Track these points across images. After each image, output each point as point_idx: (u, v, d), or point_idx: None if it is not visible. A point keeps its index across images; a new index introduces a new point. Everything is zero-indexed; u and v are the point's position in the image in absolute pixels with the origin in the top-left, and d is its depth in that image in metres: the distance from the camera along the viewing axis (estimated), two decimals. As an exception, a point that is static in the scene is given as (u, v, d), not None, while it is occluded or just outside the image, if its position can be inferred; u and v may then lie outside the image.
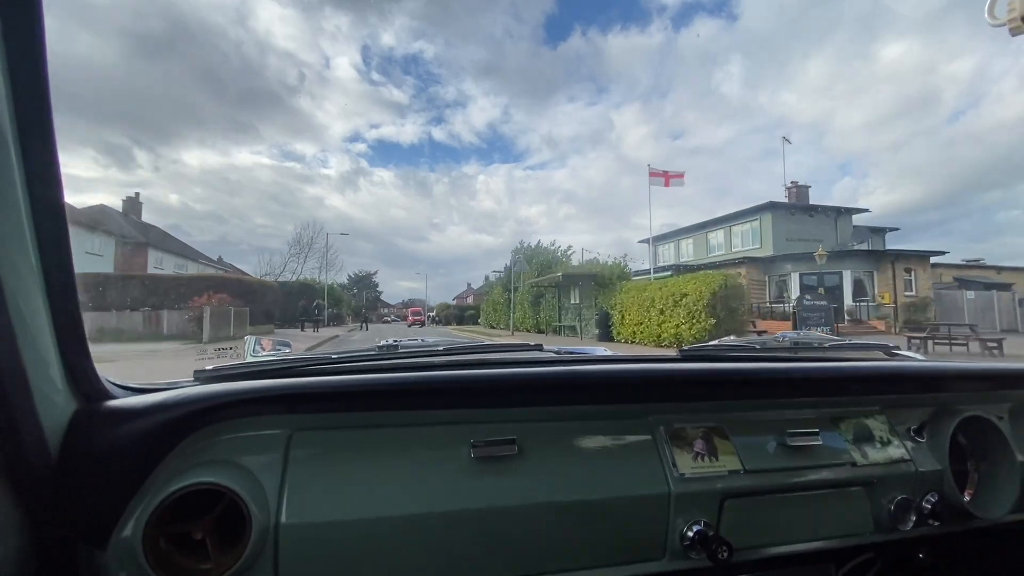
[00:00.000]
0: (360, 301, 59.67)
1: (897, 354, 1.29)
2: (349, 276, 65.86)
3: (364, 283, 70.46)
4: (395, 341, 1.16)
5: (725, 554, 0.77)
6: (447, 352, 1.06)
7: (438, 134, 79.36)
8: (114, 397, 0.71)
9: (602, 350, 1.28)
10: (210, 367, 0.90)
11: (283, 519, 0.66)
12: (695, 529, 0.81)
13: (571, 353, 1.18)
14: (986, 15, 0.72)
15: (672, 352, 1.15)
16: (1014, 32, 0.70)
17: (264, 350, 1.33)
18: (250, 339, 1.36)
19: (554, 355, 1.15)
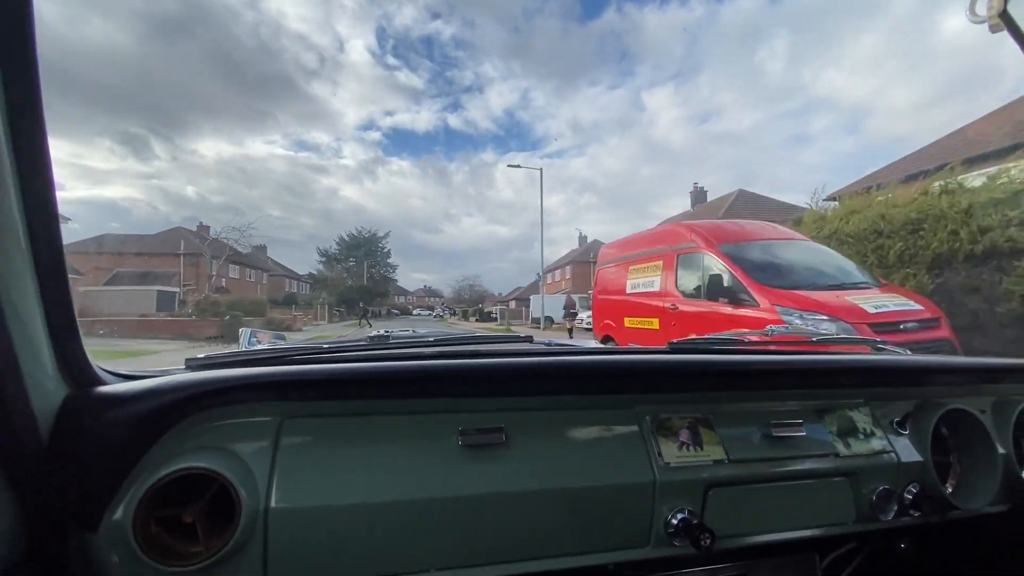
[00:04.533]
0: (359, 281, 50.78)
1: (883, 349, 1.31)
2: (341, 238, 55.82)
3: (367, 250, 55.38)
4: (387, 332, 1.16)
5: (708, 541, 0.78)
6: (438, 343, 1.07)
7: (454, 121, 77.87)
8: (105, 383, 0.71)
9: (592, 343, 1.29)
10: (202, 355, 0.90)
11: (272, 504, 0.67)
12: (679, 517, 0.82)
13: (561, 345, 1.19)
14: (967, 13, 0.73)
15: (662, 346, 1.16)
16: (994, 29, 0.71)
17: (260, 343, 1.34)
18: (245, 331, 1.37)
19: (544, 347, 1.16)
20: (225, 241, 27.96)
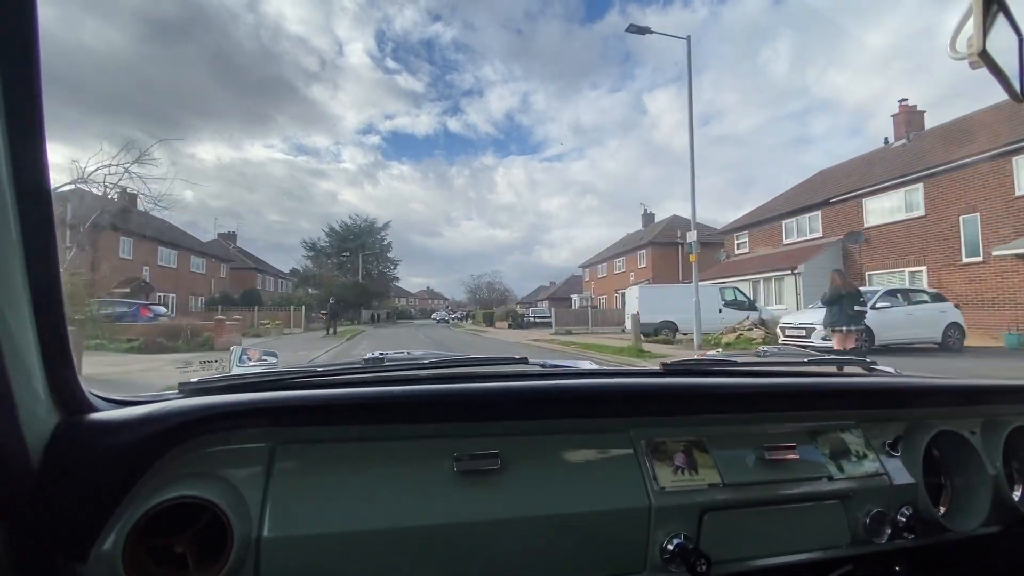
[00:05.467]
0: (354, 277, 41.25)
1: (876, 369, 1.32)
2: (331, 228, 46.47)
3: (362, 242, 45.84)
4: (381, 354, 1.16)
5: (704, 567, 0.78)
6: (432, 365, 1.07)
7: (454, 125, 77.92)
8: (97, 410, 0.71)
9: (588, 363, 1.29)
10: (195, 379, 0.90)
11: (265, 532, 0.67)
12: (675, 542, 0.82)
13: (556, 367, 1.19)
14: (948, 49, 0.76)
15: (655, 366, 1.17)
16: (973, 66, 0.74)
17: (251, 360, 1.33)
18: (236, 349, 1.36)
19: (539, 369, 1.16)
20: (141, 199, 18.60)
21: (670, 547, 0.82)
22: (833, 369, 1.35)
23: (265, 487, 0.70)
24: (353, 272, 43.67)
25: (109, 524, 0.63)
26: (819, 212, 20.63)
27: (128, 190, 19.02)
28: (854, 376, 1.25)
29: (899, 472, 1.01)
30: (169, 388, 0.92)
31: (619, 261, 37.94)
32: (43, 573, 0.62)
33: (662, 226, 35.17)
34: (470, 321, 44.78)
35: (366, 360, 1.10)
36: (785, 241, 22.34)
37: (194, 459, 0.70)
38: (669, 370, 1.11)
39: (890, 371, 1.31)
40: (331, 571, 0.68)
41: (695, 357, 1.30)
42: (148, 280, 25.82)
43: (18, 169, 0.57)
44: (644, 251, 34.00)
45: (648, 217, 40.26)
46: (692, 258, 12.98)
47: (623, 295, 30.04)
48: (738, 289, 19.02)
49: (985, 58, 0.71)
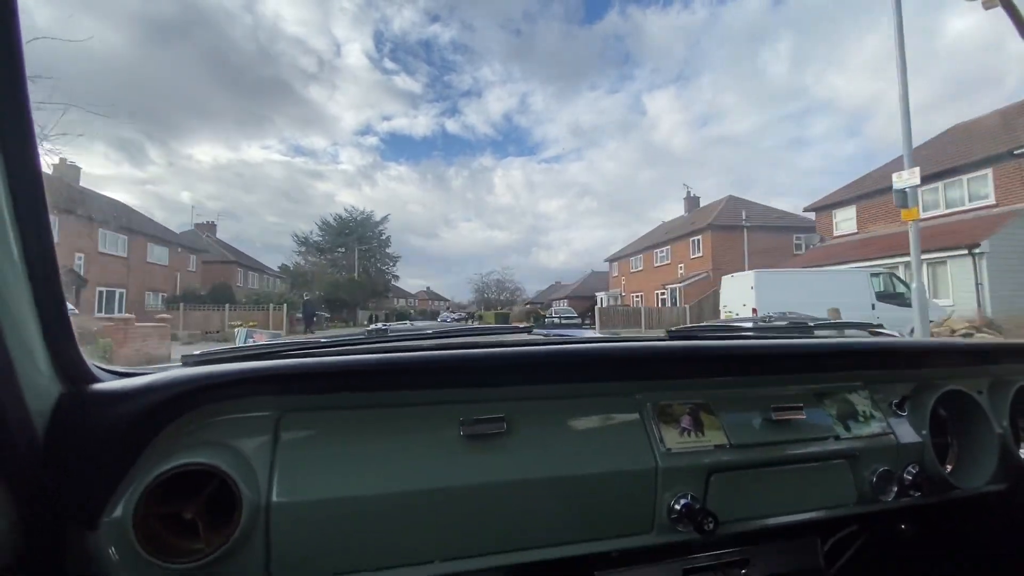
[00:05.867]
0: (349, 274, 36.67)
1: (880, 333, 1.31)
2: (324, 221, 42.36)
3: (359, 235, 41.84)
4: (384, 326, 1.16)
5: (711, 525, 0.78)
6: (436, 335, 1.06)
7: (452, 126, 77.28)
8: (100, 380, 0.71)
9: (591, 333, 1.29)
10: (197, 352, 0.89)
11: (274, 498, 0.67)
12: (682, 502, 0.82)
13: (560, 335, 1.19)
14: None
15: (660, 334, 1.16)
16: (987, 6, 0.71)
17: (255, 343, 1.33)
18: (240, 331, 1.36)
19: (543, 337, 1.16)
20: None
21: (677, 507, 0.82)
22: (839, 333, 1.35)
23: (273, 454, 0.70)
24: (349, 269, 39.89)
25: (118, 492, 0.63)
26: (989, 171, 14.33)
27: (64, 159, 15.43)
28: (860, 338, 1.25)
29: (906, 431, 1.01)
30: (172, 362, 0.92)
31: (661, 251, 31.47)
32: (54, 542, 0.62)
33: (719, 207, 28.79)
34: (476, 323, 42.62)
35: (369, 332, 1.10)
36: (936, 212, 15.42)
37: (201, 428, 0.70)
38: (674, 335, 1.11)
39: (893, 334, 1.31)
40: (340, 535, 0.69)
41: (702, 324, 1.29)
42: (81, 272, 20.75)
43: (4, 144, 0.57)
44: (700, 236, 27.66)
45: (692, 201, 33.96)
46: (909, 214, 7.66)
47: (672, 290, 26.85)
48: (895, 276, 12.88)
49: None
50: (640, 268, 34.29)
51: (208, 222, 37.19)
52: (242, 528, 0.64)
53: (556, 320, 29.01)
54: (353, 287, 35.44)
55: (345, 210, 44.78)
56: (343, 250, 42.00)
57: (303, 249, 42.36)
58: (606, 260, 40.41)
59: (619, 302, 33.82)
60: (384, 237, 44.60)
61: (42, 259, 0.62)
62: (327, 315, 29.21)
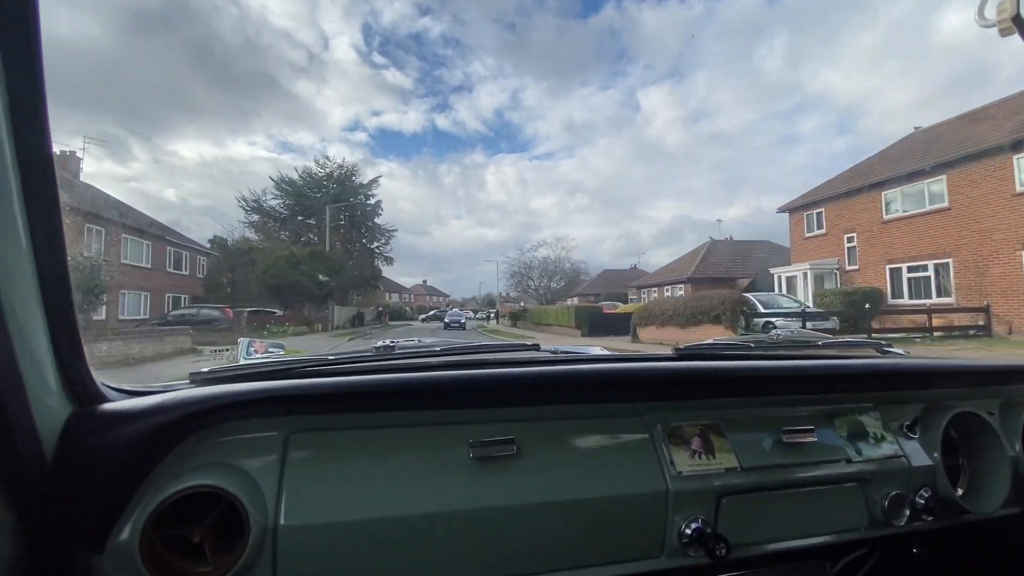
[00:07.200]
0: (321, 247, 24.43)
1: (889, 352, 1.30)
2: (282, 176, 28.90)
3: (338, 191, 28.85)
4: (392, 342, 1.15)
5: (723, 551, 0.77)
6: (444, 353, 1.06)
7: (442, 122, 76.78)
8: (109, 400, 0.70)
9: (599, 349, 1.28)
10: (205, 369, 0.89)
11: (281, 521, 0.66)
12: (693, 526, 0.81)
13: (568, 353, 1.18)
14: (975, 16, 0.73)
15: (668, 351, 1.16)
16: (1004, 33, 0.71)
17: (257, 353, 1.32)
18: (243, 341, 1.35)
19: (551, 355, 1.15)
20: None
21: (688, 531, 0.81)
22: (848, 352, 1.34)
23: (280, 475, 0.69)
24: (320, 243, 26.78)
25: (125, 514, 0.62)
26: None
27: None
28: (870, 358, 1.24)
29: (917, 454, 1.00)
30: (179, 378, 0.91)
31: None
32: (60, 564, 0.62)
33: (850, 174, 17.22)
34: (495, 321, 30.79)
35: (377, 348, 1.09)
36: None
37: (208, 448, 0.70)
38: (683, 354, 1.10)
39: (902, 353, 1.30)
40: (348, 559, 0.68)
41: (709, 340, 1.29)
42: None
43: (23, 162, 0.56)
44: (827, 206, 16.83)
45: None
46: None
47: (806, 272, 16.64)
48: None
49: (1019, 23, 0.68)
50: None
51: (69, 151, 17.60)
52: (249, 552, 0.63)
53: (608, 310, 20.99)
54: (325, 268, 23.05)
55: (316, 162, 31.20)
56: (313, 220, 28.72)
57: (255, 219, 29.10)
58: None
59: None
60: (374, 202, 30.77)
61: (55, 278, 0.62)
62: (277, 311, 20.39)
